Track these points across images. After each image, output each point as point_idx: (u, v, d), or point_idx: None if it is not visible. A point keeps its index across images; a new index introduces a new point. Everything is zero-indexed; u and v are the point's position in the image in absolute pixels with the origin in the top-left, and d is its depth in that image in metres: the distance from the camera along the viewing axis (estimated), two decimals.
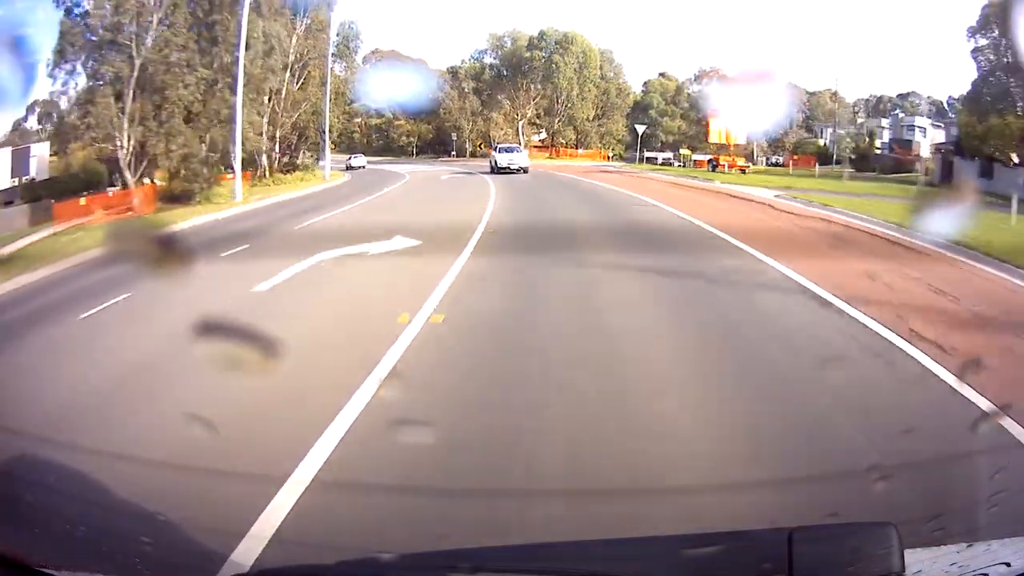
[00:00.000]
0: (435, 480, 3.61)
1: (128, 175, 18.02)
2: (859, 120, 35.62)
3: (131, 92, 17.80)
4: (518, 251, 11.16)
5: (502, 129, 33.13)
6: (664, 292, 8.29)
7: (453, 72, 33.04)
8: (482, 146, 32.20)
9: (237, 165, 18.69)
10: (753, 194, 21.09)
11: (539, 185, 23.83)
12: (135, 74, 17.74)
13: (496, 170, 26.75)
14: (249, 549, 2.99)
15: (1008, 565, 1.47)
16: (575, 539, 2.67)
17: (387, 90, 28.94)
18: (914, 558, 1.47)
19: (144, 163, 18.38)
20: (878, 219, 14.97)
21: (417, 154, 31.90)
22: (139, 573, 2.68)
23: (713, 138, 31.40)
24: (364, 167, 30.31)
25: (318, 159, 25.51)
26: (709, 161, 30.49)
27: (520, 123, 32.37)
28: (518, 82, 31.61)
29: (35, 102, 19.77)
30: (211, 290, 8.00)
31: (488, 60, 32.86)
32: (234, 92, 18.26)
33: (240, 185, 18.73)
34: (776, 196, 20.95)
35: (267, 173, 22.74)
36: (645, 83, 36.79)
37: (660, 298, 8.01)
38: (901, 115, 35.48)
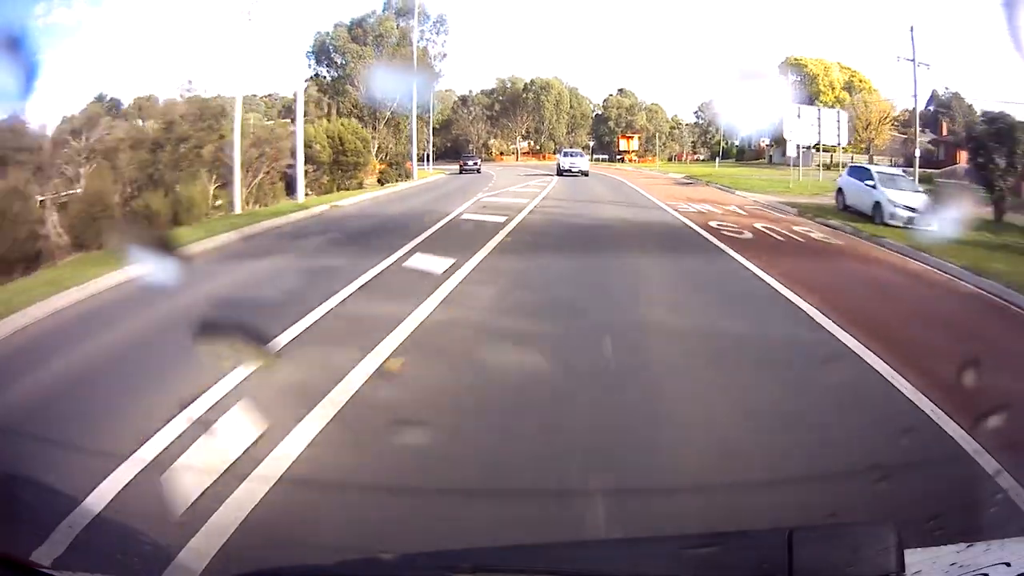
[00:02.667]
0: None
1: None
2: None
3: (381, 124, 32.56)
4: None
5: (504, 141, 49.01)
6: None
7: (463, 99, 48.39)
8: (490, 152, 47.58)
9: (414, 162, 30.91)
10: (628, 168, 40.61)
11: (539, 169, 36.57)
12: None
13: (560, 172, 32.45)
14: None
15: (1008, 565, 1.47)
16: (575, 539, 2.67)
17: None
18: (914, 558, 1.47)
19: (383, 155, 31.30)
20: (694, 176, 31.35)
21: (436, 159, 39.56)
22: (139, 573, 2.68)
23: (622, 145, 48.61)
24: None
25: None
26: (617, 157, 47.81)
27: (516, 137, 49.67)
28: (516, 111, 48.78)
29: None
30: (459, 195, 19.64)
31: (496, 95, 49.15)
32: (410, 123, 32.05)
33: (416, 171, 30.91)
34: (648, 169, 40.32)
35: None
36: (605, 100, 51.42)
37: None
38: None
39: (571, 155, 35.42)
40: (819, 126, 27.32)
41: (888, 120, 32.87)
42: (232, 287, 8.72)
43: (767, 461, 3.90)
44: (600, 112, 51.24)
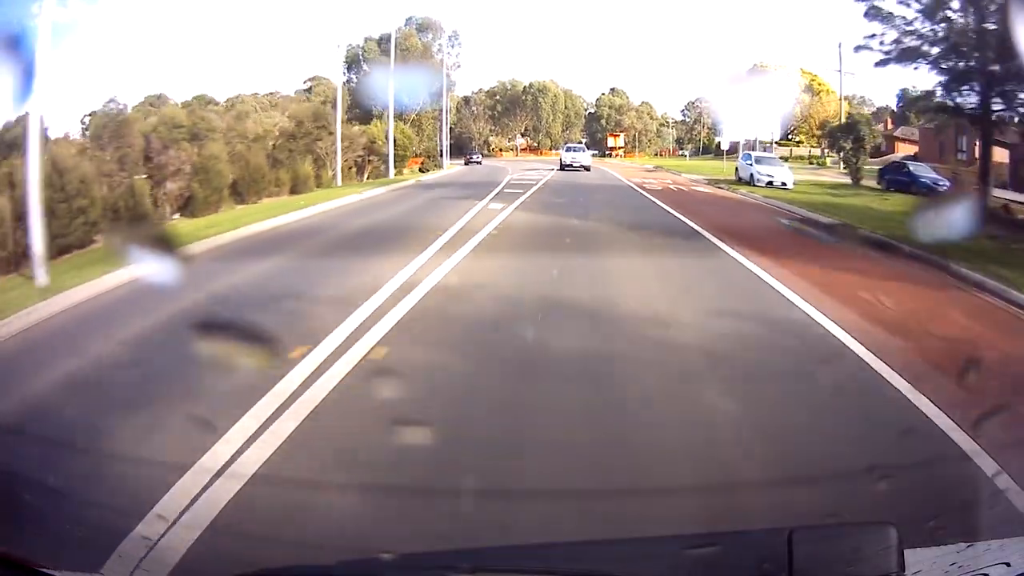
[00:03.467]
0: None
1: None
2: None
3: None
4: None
5: (503, 138, 53.33)
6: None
7: (466, 99, 51.10)
8: (490, 149, 51.57)
9: (446, 156, 39.04)
10: (614, 161, 46.02)
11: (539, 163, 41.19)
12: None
13: (562, 167, 34.29)
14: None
15: (1008, 565, 1.47)
16: (575, 539, 2.67)
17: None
18: (914, 558, 1.47)
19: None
20: (661, 165, 39.03)
21: (440, 155, 42.55)
22: (139, 573, 2.68)
23: (610, 142, 52.75)
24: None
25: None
26: (606, 153, 51.56)
27: (516, 134, 53.86)
28: (515, 111, 53.37)
29: None
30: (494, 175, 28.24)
31: (497, 97, 53.06)
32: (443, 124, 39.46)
33: (447, 162, 38.29)
34: (629, 162, 45.90)
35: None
36: (597, 99, 56.17)
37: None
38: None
39: (573, 149, 37.45)
40: (753, 124, 34.43)
41: (837, 118, 36.09)
42: (429, 201, 18.31)
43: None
44: (593, 111, 56.26)
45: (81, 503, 3.23)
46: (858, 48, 18.37)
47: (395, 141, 30.02)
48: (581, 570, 1.47)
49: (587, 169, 34.50)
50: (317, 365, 4.99)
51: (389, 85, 31.45)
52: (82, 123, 26.31)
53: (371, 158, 29.35)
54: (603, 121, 54.24)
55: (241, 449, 3.73)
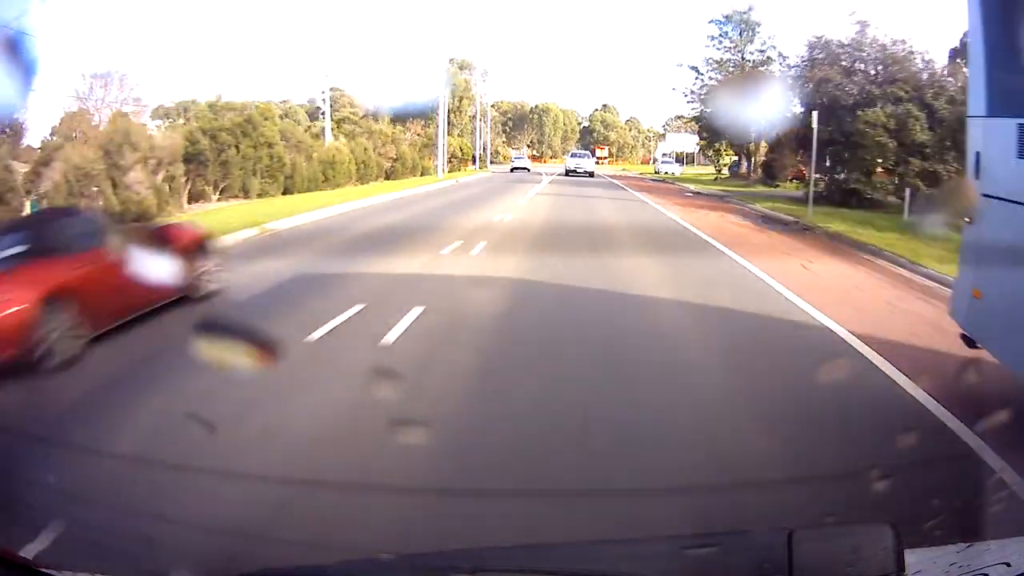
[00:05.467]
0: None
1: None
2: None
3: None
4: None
5: (512, 148, 64.87)
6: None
7: (472, 115, 59.25)
8: (500, 157, 62.06)
9: (488, 161, 53.51)
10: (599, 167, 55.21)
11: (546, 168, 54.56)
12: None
13: (567, 173, 40.87)
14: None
15: (1008, 565, 1.47)
16: (575, 539, 2.67)
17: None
18: (914, 558, 1.47)
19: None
20: (628, 169, 58.49)
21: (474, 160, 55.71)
22: (139, 573, 2.68)
23: (598, 152, 61.84)
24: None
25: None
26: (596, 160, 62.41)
27: (523, 146, 66.03)
28: (523, 126, 69.74)
29: None
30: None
31: (508, 115, 68.40)
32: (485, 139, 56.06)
33: (478, 164, 50.71)
34: (611, 167, 60.78)
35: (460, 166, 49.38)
36: (591, 115, 70.62)
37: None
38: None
39: (578, 155, 44.83)
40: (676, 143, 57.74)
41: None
42: (508, 178, 38.28)
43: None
44: (587, 124, 70.76)
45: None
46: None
47: (461, 149, 48.54)
48: (581, 570, 1.47)
49: (591, 175, 39.35)
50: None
51: (443, 112, 42.86)
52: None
53: (450, 159, 43.99)
54: (594, 134, 68.49)
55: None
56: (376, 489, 3.53)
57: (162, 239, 7.81)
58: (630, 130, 68.96)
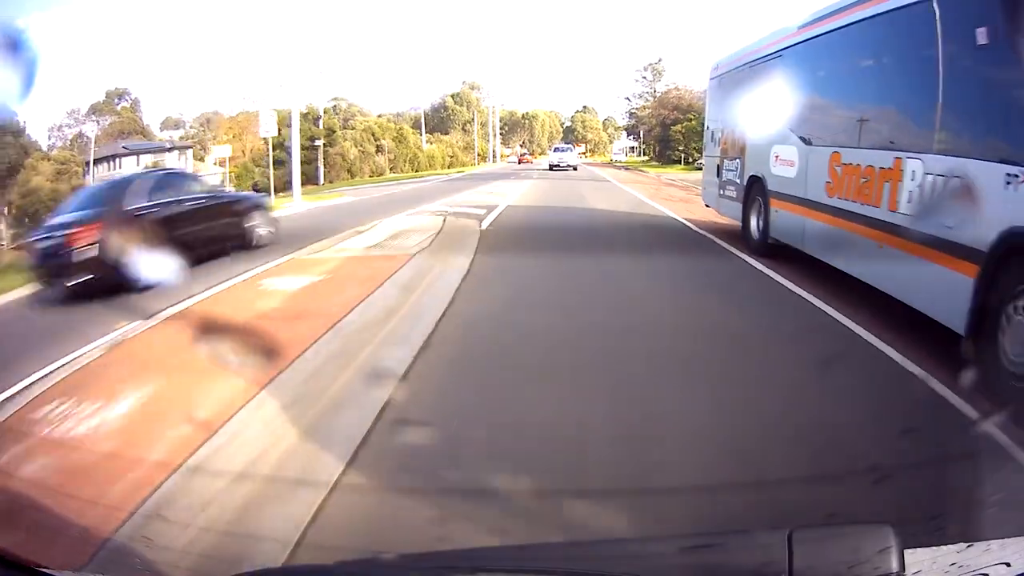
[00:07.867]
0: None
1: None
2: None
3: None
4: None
5: (505, 147, 78.54)
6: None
7: (482, 123, 75.10)
8: (500, 156, 75.91)
9: (497, 157, 72.54)
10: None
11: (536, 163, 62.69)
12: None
13: (550, 168, 42.84)
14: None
15: (1008, 565, 1.46)
16: (575, 539, 2.66)
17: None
18: (914, 558, 1.47)
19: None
20: (594, 161, 72.38)
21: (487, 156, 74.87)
22: (139, 573, 2.68)
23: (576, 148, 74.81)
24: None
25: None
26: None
27: (517, 146, 79.56)
28: (515, 130, 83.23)
29: None
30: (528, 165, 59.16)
31: (503, 121, 79.54)
32: (496, 143, 78.19)
33: (492, 158, 72.33)
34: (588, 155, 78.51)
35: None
36: (572, 116, 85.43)
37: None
38: None
39: (560, 150, 47.89)
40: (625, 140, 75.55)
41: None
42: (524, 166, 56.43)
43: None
44: (569, 124, 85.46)
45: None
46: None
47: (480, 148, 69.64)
48: (581, 570, 1.47)
49: (575, 169, 42.03)
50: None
51: (493, 122, 70.76)
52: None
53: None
54: (576, 133, 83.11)
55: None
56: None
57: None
58: (605, 129, 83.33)
